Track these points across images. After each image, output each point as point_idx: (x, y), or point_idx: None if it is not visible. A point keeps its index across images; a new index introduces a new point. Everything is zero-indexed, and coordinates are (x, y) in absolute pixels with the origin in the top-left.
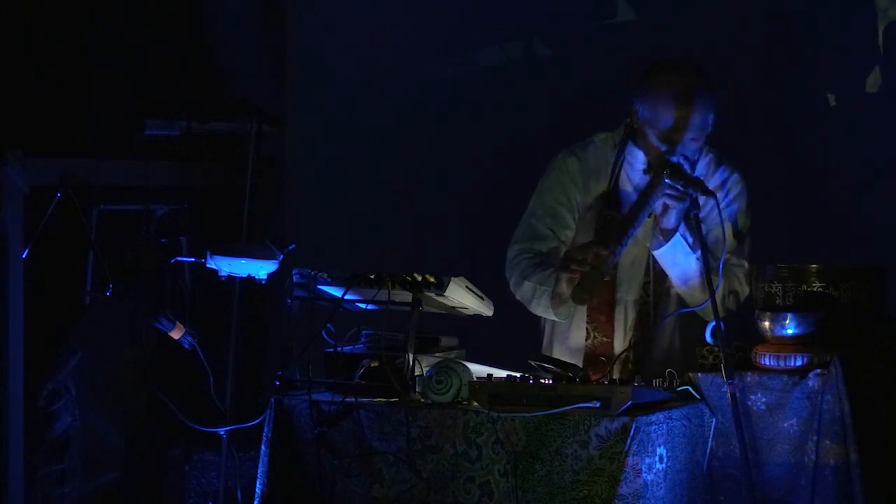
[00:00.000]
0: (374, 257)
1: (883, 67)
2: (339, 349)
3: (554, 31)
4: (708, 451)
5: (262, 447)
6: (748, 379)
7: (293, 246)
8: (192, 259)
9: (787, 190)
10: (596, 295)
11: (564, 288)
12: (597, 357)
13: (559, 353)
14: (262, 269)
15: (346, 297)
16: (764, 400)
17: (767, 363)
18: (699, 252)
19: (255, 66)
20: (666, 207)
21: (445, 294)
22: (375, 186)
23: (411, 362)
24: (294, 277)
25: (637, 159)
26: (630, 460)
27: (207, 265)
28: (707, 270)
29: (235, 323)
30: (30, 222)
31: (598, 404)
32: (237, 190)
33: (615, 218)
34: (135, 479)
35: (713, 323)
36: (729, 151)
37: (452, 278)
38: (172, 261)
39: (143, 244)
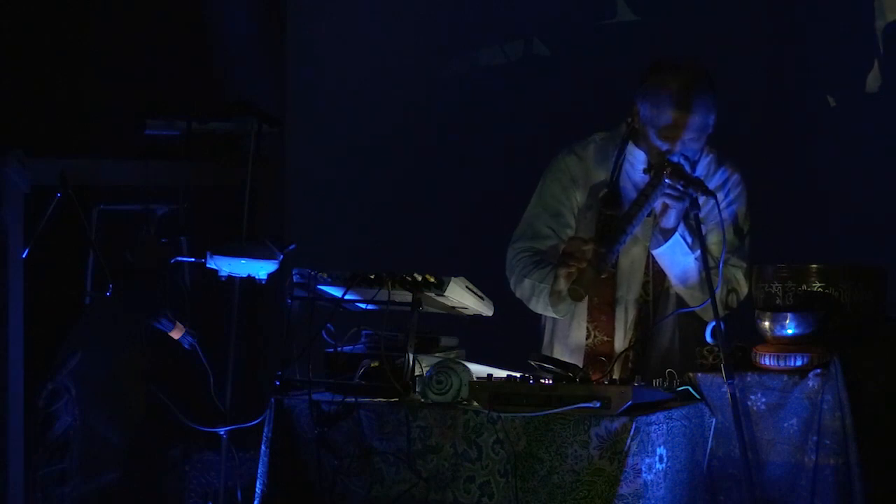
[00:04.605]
0: (374, 257)
1: (883, 67)
2: (339, 349)
3: (554, 31)
4: (708, 451)
5: (262, 447)
6: (748, 379)
7: (293, 246)
8: (192, 259)
9: (787, 190)
10: (594, 292)
11: (563, 284)
12: (597, 356)
13: (560, 352)
14: (262, 269)
15: (346, 297)
16: (764, 400)
17: (767, 363)
18: (698, 252)
19: (255, 66)
20: (665, 207)
21: (445, 294)
22: (375, 186)
23: (411, 362)
24: (294, 277)
25: (637, 159)
26: (630, 460)
27: (207, 265)
28: (706, 270)
29: (235, 323)
30: (30, 222)
31: (598, 404)
32: (237, 190)
33: (615, 217)
34: (135, 479)
35: (713, 323)
36: (729, 151)
37: (452, 278)
38: (172, 261)
39: (143, 244)
